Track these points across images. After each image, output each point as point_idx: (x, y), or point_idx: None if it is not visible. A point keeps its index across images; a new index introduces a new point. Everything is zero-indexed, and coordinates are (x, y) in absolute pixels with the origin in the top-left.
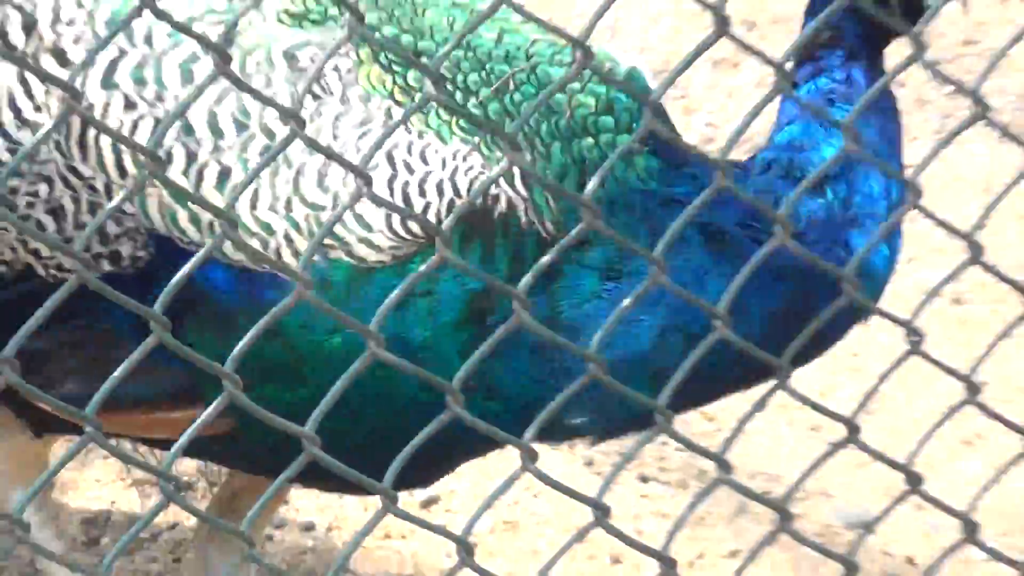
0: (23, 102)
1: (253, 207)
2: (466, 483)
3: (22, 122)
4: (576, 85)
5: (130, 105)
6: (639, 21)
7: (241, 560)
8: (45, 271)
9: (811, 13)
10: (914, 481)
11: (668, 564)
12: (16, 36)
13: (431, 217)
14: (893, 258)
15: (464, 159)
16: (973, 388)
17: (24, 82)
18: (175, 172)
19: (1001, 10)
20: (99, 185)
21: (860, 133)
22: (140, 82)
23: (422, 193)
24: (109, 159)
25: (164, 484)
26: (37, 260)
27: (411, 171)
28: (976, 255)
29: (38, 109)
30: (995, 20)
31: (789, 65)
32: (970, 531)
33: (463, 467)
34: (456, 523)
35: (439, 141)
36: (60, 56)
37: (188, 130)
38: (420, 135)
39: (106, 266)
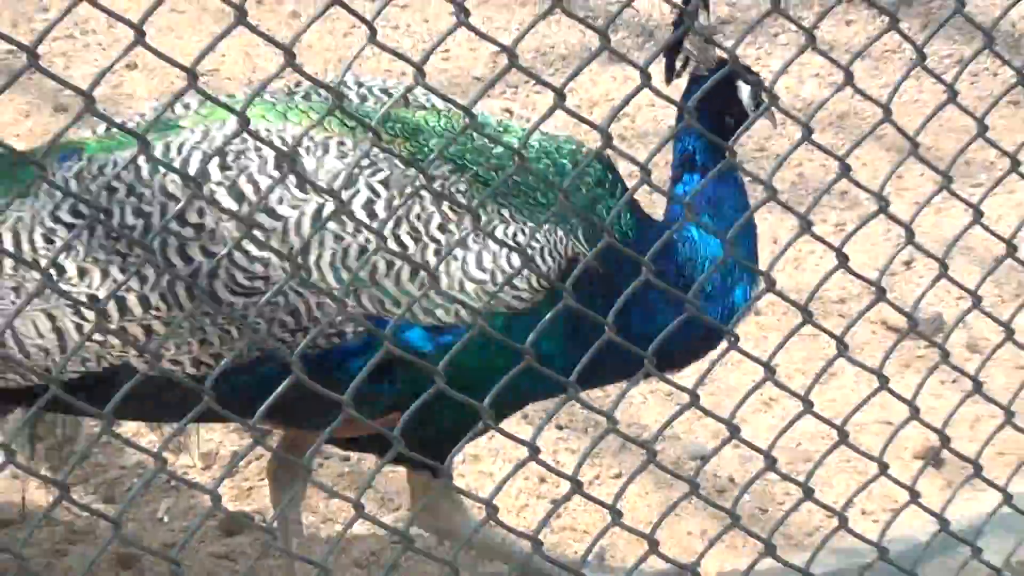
0: (250, 247)
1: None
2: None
3: (252, 259)
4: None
5: (338, 238)
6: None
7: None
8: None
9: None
10: (733, 430)
11: (576, 483)
12: (228, 203)
13: (554, 274)
14: (749, 295)
15: (557, 233)
16: (769, 369)
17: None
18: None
19: (782, 129)
20: (324, 289)
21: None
22: (341, 222)
23: (544, 260)
24: (329, 276)
25: (254, 432)
26: (283, 344)
27: (535, 247)
28: (770, 285)
29: (261, 246)
30: (777, 134)
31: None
32: (770, 463)
33: None
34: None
35: (556, 232)
36: (271, 213)
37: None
38: (558, 231)
39: (336, 340)
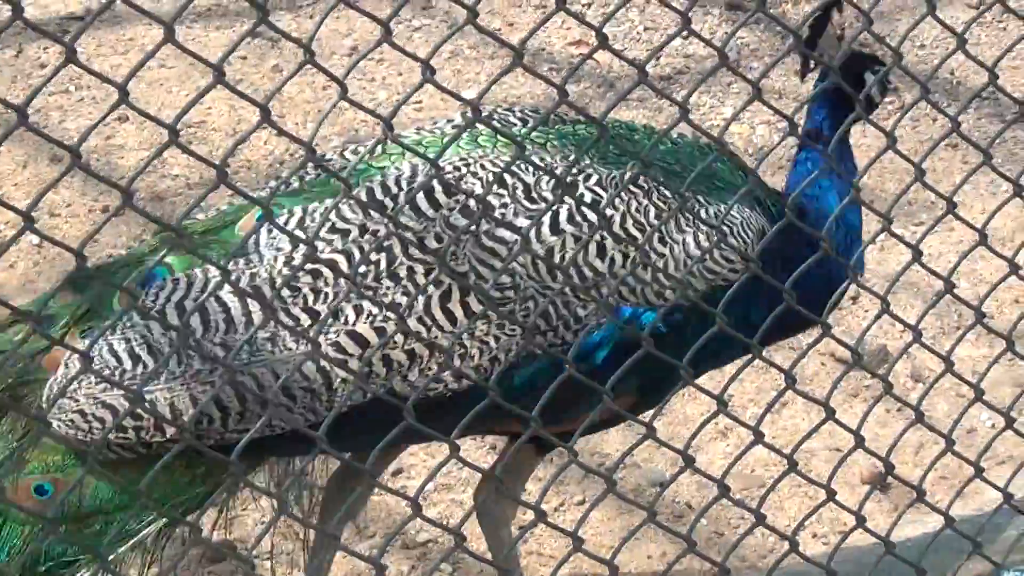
0: (495, 262)
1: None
2: (420, 460)
3: (498, 272)
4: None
5: (576, 239)
6: None
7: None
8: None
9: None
10: (688, 460)
11: (539, 512)
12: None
13: (752, 246)
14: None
15: (745, 211)
16: (721, 403)
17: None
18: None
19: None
20: (568, 290)
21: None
22: (577, 224)
23: (744, 234)
24: (572, 275)
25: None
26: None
27: (735, 223)
28: None
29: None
30: None
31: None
32: (723, 490)
33: (418, 450)
34: (413, 486)
35: (744, 209)
36: (509, 226)
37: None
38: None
39: (581, 334)
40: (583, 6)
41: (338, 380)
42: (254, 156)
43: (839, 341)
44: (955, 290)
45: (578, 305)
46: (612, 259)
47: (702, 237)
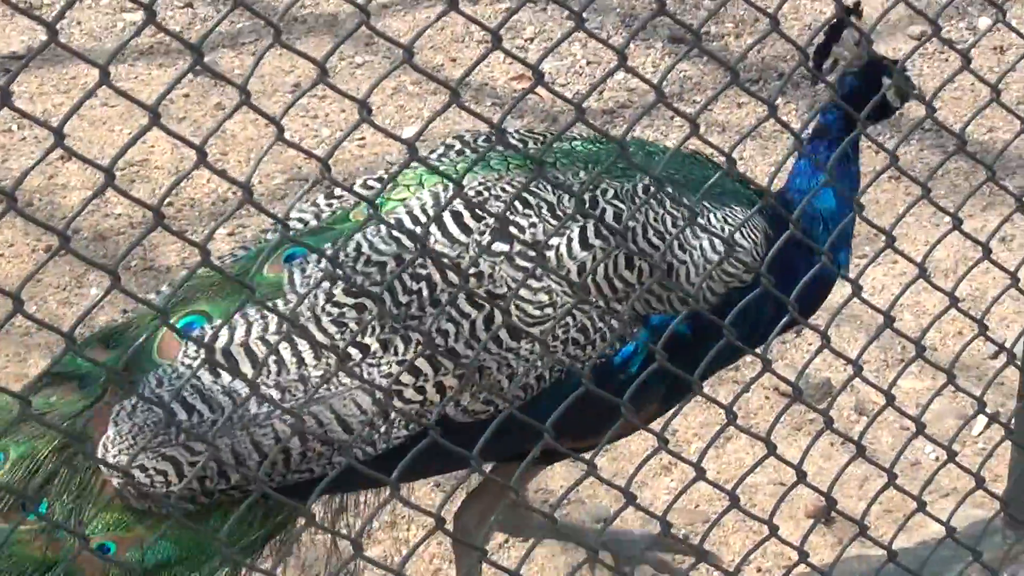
0: (532, 281)
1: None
2: (363, 498)
3: (535, 290)
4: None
5: (606, 253)
6: None
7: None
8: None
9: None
10: (630, 497)
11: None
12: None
13: (762, 247)
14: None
15: (744, 213)
16: (662, 440)
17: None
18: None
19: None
20: (602, 303)
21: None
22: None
23: (750, 235)
24: (604, 288)
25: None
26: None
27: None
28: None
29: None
30: None
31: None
32: (666, 527)
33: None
34: (357, 524)
35: (745, 211)
36: (544, 245)
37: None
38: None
39: (618, 346)
40: (526, 40)
41: (393, 412)
42: (197, 195)
43: (779, 376)
44: (900, 322)
45: (613, 317)
46: (641, 270)
47: (717, 242)
